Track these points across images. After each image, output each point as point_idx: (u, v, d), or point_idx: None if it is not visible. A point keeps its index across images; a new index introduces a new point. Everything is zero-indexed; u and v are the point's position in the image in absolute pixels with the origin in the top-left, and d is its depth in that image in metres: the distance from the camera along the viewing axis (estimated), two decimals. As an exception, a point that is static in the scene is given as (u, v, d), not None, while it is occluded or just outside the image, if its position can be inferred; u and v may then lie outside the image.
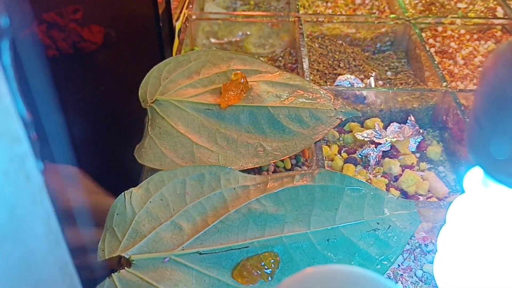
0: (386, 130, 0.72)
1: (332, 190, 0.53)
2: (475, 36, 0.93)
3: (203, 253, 0.49)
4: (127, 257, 0.49)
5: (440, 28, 0.94)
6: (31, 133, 0.19)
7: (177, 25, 0.88)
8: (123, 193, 0.53)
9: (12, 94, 0.18)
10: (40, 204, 0.21)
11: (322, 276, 0.26)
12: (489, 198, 0.29)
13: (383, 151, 0.70)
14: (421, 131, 0.73)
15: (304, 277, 0.25)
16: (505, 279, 0.32)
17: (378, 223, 0.50)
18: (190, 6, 0.95)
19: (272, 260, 0.48)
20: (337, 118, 0.66)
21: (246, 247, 0.49)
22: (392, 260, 0.49)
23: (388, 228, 0.50)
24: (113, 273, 0.48)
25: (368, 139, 0.70)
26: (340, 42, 0.93)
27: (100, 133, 0.79)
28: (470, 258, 0.33)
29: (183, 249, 0.49)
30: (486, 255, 0.32)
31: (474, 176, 0.31)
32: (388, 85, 0.84)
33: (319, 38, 0.94)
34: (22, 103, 0.19)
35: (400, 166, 0.69)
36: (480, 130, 0.25)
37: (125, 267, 0.48)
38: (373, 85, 0.81)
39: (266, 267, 0.48)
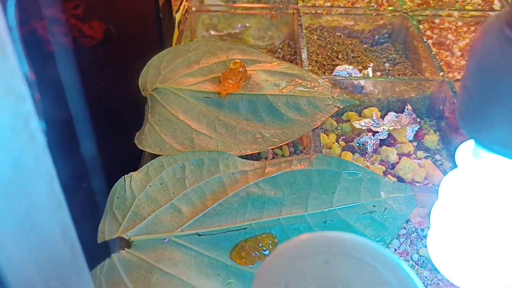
0: (383, 119, 0.72)
1: (329, 174, 0.54)
2: (472, 28, 0.94)
3: (202, 235, 0.50)
4: (127, 238, 0.49)
5: (437, 20, 0.94)
6: (34, 93, 0.20)
7: (177, 16, 0.89)
8: (123, 177, 0.54)
9: (17, 54, 0.19)
10: (43, 164, 0.22)
11: (317, 241, 0.26)
12: (480, 169, 0.30)
13: (381, 140, 0.71)
14: (418, 120, 0.74)
15: (299, 241, 0.26)
16: (500, 251, 0.32)
17: (374, 206, 0.51)
18: (190, -2, 0.96)
19: (270, 241, 0.49)
20: (335, 106, 0.67)
21: (244, 228, 0.50)
22: (388, 241, 0.50)
23: (384, 210, 0.51)
24: (113, 254, 0.48)
25: (366, 128, 0.71)
26: (339, 34, 0.94)
27: (100, 122, 0.80)
28: (463, 232, 0.34)
29: (182, 231, 0.50)
30: (480, 228, 0.33)
31: (466, 150, 0.32)
32: (386, 76, 0.84)
33: (318, 30, 0.94)
34: (26, 63, 0.20)
35: (397, 154, 0.70)
36: (469, 99, 0.26)
37: (125, 248, 0.49)
38: (371, 76, 0.82)
39: (264, 248, 0.49)
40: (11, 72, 0.19)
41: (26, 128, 0.20)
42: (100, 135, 0.79)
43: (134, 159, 0.66)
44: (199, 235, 0.50)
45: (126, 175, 0.54)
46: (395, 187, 0.53)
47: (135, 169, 0.57)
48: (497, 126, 0.25)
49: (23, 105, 0.20)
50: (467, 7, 1.00)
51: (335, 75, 0.80)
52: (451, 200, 0.34)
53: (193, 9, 0.94)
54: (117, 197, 0.53)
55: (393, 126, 0.71)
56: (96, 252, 0.51)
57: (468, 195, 0.32)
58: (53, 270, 0.22)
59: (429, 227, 0.59)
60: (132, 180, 0.54)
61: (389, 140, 0.72)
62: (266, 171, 0.56)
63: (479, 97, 0.25)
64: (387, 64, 0.88)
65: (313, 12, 0.95)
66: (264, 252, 0.49)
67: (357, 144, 0.71)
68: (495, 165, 0.28)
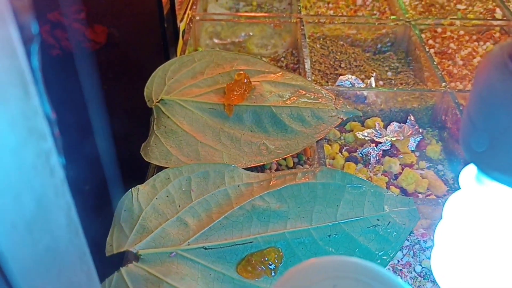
0: (386, 129, 0.73)
1: (333, 187, 0.54)
2: (474, 37, 0.95)
3: (208, 248, 0.51)
4: (134, 251, 0.50)
5: (439, 29, 0.95)
6: (55, 130, 0.21)
7: (181, 25, 0.89)
8: (130, 190, 0.55)
9: (39, 95, 0.20)
10: (62, 196, 0.22)
11: (325, 266, 0.27)
12: (483, 195, 0.31)
13: (383, 150, 0.72)
14: (420, 130, 0.74)
15: (308, 266, 0.27)
16: (501, 273, 0.33)
17: (378, 220, 0.52)
18: (194, 7, 0.97)
19: (276, 255, 0.50)
20: (338, 118, 0.67)
21: (250, 242, 0.51)
22: (391, 255, 0.51)
23: (388, 224, 0.52)
24: (121, 267, 0.49)
25: (369, 138, 0.72)
26: (341, 43, 0.95)
27: (104, 132, 0.81)
28: (466, 253, 0.35)
29: (189, 244, 0.51)
30: (481, 250, 0.34)
31: (469, 173, 0.32)
32: (388, 85, 0.85)
33: (321, 39, 0.95)
34: (48, 103, 0.20)
35: (400, 164, 0.70)
36: (473, 127, 0.26)
37: (133, 262, 0.50)
38: (373, 85, 0.83)
39: (269, 262, 0.50)
40: (34, 113, 0.20)
41: (47, 164, 0.21)
42: (104, 145, 0.80)
43: (140, 167, 0.67)
44: (206, 248, 0.50)
45: (133, 188, 0.55)
46: (399, 201, 0.54)
47: (140, 179, 0.58)
48: (499, 156, 0.26)
49: (44, 143, 0.20)
50: (469, 16, 1.00)
51: (338, 85, 0.80)
52: (455, 221, 0.34)
53: (197, 18, 0.95)
54: (125, 210, 0.53)
55: (395, 136, 0.72)
56: (101, 264, 0.52)
57: (471, 218, 0.33)
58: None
59: (432, 239, 0.60)
60: (139, 193, 0.55)
61: (391, 151, 0.72)
62: (271, 183, 0.57)
63: (482, 126, 0.26)
64: (389, 73, 0.89)
65: (316, 21, 0.95)
66: (269, 266, 0.49)
67: (360, 155, 0.72)
68: (496, 192, 0.29)
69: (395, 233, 0.51)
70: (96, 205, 0.62)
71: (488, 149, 0.26)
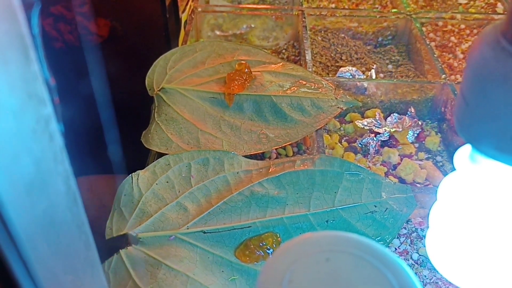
0: (385, 120, 0.74)
1: (331, 174, 0.55)
2: (475, 31, 0.95)
3: (207, 232, 0.51)
4: (134, 234, 0.51)
5: (440, 23, 0.95)
6: (54, 97, 0.22)
7: (183, 17, 0.90)
8: (130, 175, 0.55)
9: (39, 61, 0.20)
10: (61, 163, 0.23)
11: (320, 239, 0.27)
12: (477, 174, 0.31)
13: (383, 141, 0.72)
14: (420, 123, 0.75)
15: (303, 240, 0.27)
16: (496, 253, 0.34)
17: (375, 206, 0.52)
18: (196, -2, 0.97)
19: (273, 240, 0.50)
20: (338, 107, 0.68)
21: (248, 227, 0.52)
22: (388, 240, 0.51)
23: (385, 210, 0.52)
24: (121, 249, 0.50)
25: (368, 128, 0.72)
26: (343, 35, 0.95)
27: (106, 119, 0.81)
28: (461, 233, 0.35)
29: (188, 228, 0.51)
30: (477, 229, 0.34)
31: (464, 154, 0.33)
32: (389, 77, 0.85)
33: (322, 32, 0.96)
34: (47, 69, 0.21)
35: (399, 155, 0.71)
36: (466, 105, 0.27)
37: (132, 245, 0.50)
38: (374, 77, 0.83)
39: (267, 247, 0.50)
40: (33, 78, 0.20)
41: (46, 130, 0.21)
42: (105, 133, 0.81)
43: (140, 158, 0.67)
44: (204, 232, 0.51)
45: (133, 173, 0.56)
46: (396, 188, 0.54)
47: (141, 168, 0.59)
48: (492, 132, 0.26)
49: (44, 109, 0.21)
50: (470, 10, 1.00)
51: (339, 76, 0.81)
52: (449, 202, 0.35)
53: (199, 9, 0.95)
54: (125, 195, 0.54)
55: (394, 127, 0.72)
56: (100, 248, 0.52)
57: (466, 198, 0.33)
58: (69, 263, 0.24)
59: (428, 227, 0.61)
60: (139, 178, 0.55)
61: (391, 141, 0.73)
62: (270, 170, 0.57)
63: (475, 103, 0.26)
64: (390, 66, 0.90)
65: (318, 13, 0.96)
66: (267, 251, 0.50)
67: (359, 145, 0.72)
68: (491, 170, 0.29)
69: (392, 219, 0.52)
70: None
71: (481, 126, 0.27)
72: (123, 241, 0.53)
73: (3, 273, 0.19)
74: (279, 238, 0.51)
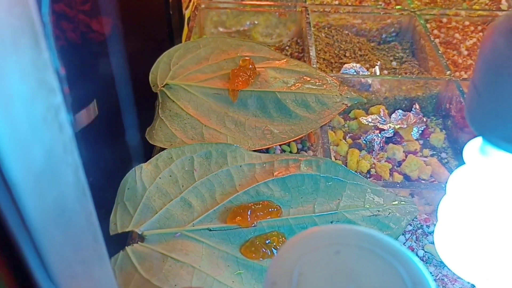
0: (390, 117, 0.73)
1: (336, 182, 0.55)
2: (479, 28, 0.94)
3: (213, 230, 0.51)
4: (139, 232, 0.50)
5: (444, 20, 0.95)
6: (64, 86, 0.21)
7: (187, 13, 0.90)
8: (133, 168, 0.55)
9: (49, 49, 0.20)
10: (70, 154, 0.23)
11: (328, 233, 0.27)
12: (488, 166, 0.31)
13: (387, 137, 0.72)
14: (424, 119, 0.74)
15: (311, 233, 0.27)
16: (506, 247, 0.33)
17: (378, 211, 0.53)
18: (199, -5, 0.97)
19: (279, 239, 0.50)
20: (343, 104, 0.68)
21: (254, 226, 0.51)
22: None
23: (388, 214, 0.52)
24: (127, 246, 0.50)
25: (373, 124, 0.72)
26: (346, 32, 0.95)
27: (109, 116, 0.81)
28: (470, 227, 0.35)
29: (193, 226, 0.51)
30: (486, 223, 0.34)
31: (473, 147, 0.32)
32: (393, 74, 0.85)
33: (326, 28, 0.95)
34: (57, 58, 0.21)
35: (403, 152, 0.71)
36: (478, 96, 0.26)
37: (138, 242, 0.50)
38: (378, 74, 0.83)
39: (273, 244, 0.50)
40: (44, 66, 0.20)
41: (56, 119, 0.21)
42: (109, 131, 0.80)
43: (145, 155, 0.67)
44: (210, 230, 0.51)
45: (136, 167, 0.55)
46: (398, 199, 0.55)
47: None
48: (504, 123, 0.26)
49: (54, 98, 0.21)
50: (474, 7, 1.00)
51: (343, 73, 0.80)
52: (459, 195, 0.35)
53: (202, 6, 0.95)
54: (128, 188, 0.54)
55: (399, 124, 0.72)
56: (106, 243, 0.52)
57: (476, 191, 0.33)
58: (79, 253, 0.23)
59: (434, 224, 0.60)
60: (142, 172, 0.55)
61: (395, 138, 0.72)
62: (274, 166, 0.57)
63: (487, 94, 0.26)
64: (394, 63, 0.89)
65: (321, 10, 0.95)
66: (273, 249, 0.50)
67: (364, 142, 0.72)
68: (502, 162, 0.29)
69: (395, 220, 0.52)
70: (99, 189, 0.62)
71: (493, 117, 0.27)
72: (127, 236, 0.52)
73: (17, 260, 0.18)
74: (284, 238, 0.51)
